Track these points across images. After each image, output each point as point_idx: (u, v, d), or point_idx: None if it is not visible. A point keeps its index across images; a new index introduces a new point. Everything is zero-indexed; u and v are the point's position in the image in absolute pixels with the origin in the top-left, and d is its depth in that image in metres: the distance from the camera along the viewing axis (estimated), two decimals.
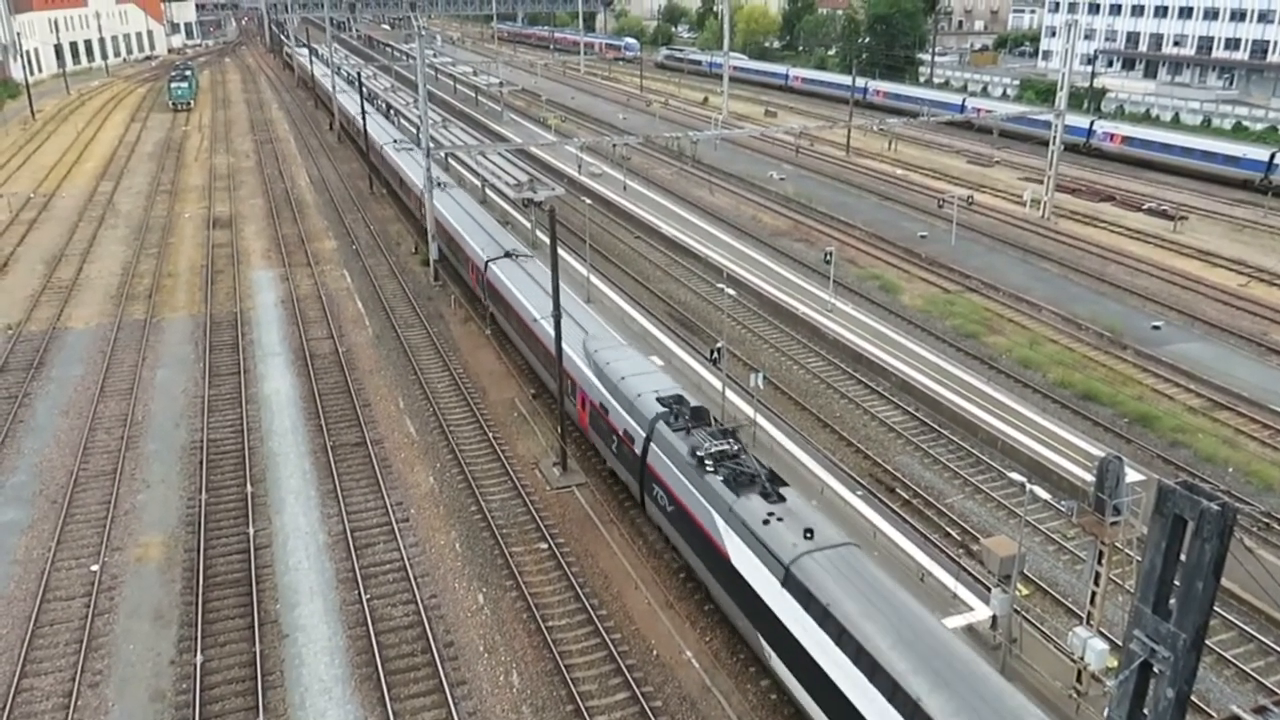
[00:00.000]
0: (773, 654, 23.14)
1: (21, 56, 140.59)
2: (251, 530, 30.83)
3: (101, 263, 59.59)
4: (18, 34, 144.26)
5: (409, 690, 24.40)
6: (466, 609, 27.39)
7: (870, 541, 28.84)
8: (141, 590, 28.26)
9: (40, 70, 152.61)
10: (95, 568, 29.14)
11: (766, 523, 23.84)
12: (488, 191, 67.39)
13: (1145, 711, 14.28)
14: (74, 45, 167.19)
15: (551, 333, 33.98)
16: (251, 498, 32.71)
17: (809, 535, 23.01)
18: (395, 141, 76.44)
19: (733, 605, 24.90)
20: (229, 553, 29.87)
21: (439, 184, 62.34)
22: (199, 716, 23.45)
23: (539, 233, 58.59)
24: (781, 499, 24.95)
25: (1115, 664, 19.27)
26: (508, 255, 46.60)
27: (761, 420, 35.50)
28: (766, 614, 22.97)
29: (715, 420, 29.44)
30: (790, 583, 22.24)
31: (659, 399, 30.09)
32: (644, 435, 29.30)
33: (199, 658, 25.29)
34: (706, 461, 26.23)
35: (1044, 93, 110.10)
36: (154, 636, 26.38)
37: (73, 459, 35.42)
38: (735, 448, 26.97)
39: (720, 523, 24.90)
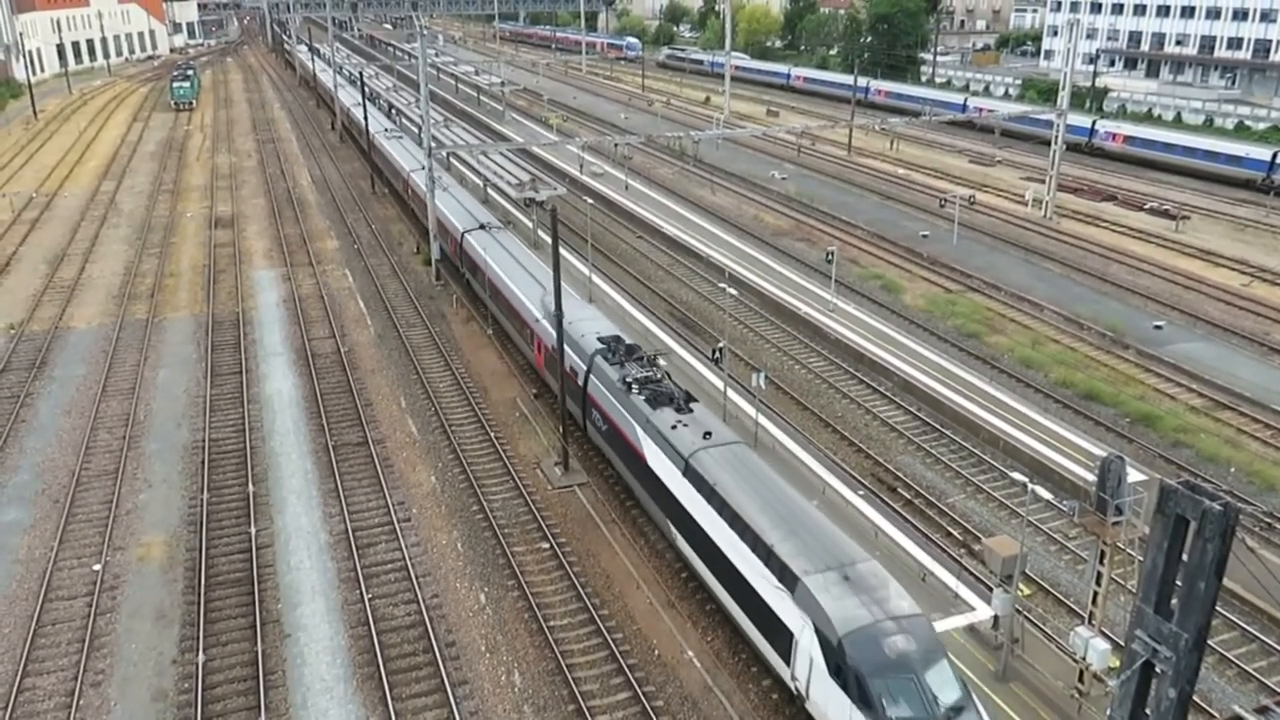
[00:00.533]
0: (677, 534, 27.76)
1: (24, 56, 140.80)
2: (253, 530, 30.85)
3: (104, 262, 59.65)
4: (20, 34, 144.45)
5: (410, 690, 24.42)
6: (468, 608, 27.40)
7: (872, 542, 28.87)
8: (143, 590, 28.29)
9: (43, 70, 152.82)
10: (97, 567, 29.18)
11: (674, 428, 28.61)
12: (489, 191, 67.40)
13: (1147, 711, 14.28)
14: (76, 45, 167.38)
15: (519, 294, 39.85)
16: (253, 497, 32.74)
17: (707, 436, 28.01)
18: (385, 130, 79.94)
19: (650, 500, 29.49)
20: (231, 552, 29.90)
21: (421, 167, 63.29)
22: (201, 716, 23.48)
23: (541, 232, 58.63)
24: (689, 411, 29.64)
25: (1117, 664, 19.26)
26: (481, 228, 50.83)
27: (763, 420, 35.51)
28: (672, 500, 27.67)
29: (645, 355, 34.15)
30: (689, 472, 27.05)
31: (599, 338, 34.92)
32: (585, 369, 34.14)
33: (201, 657, 25.32)
34: (632, 385, 31.04)
35: (1046, 92, 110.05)
36: (156, 636, 26.41)
37: (75, 458, 35.46)
38: (658, 374, 32.17)
39: (640, 432, 29.61)
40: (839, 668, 20.18)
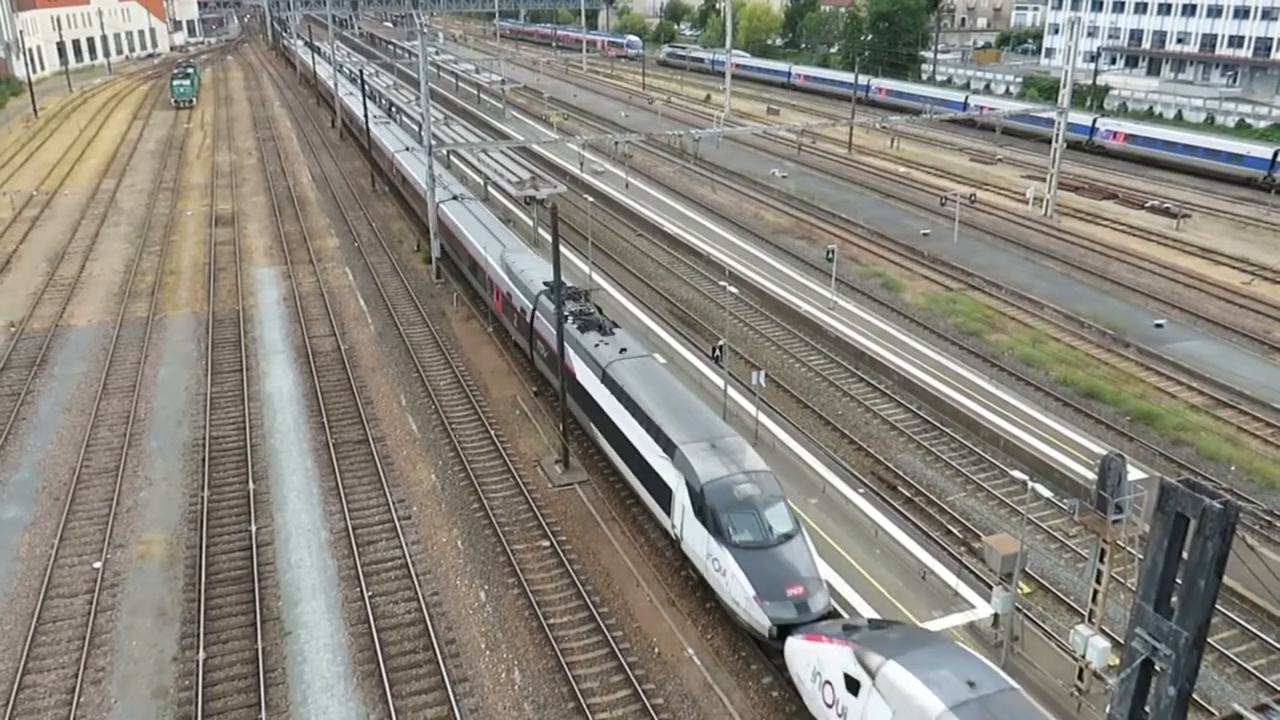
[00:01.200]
0: (598, 433, 33.45)
1: (24, 54, 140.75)
2: (253, 527, 30.87)
3: (104, 260, 59.66)
4: (20, 31, 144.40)
5: (411, 687, 24.43)
6: (468, 606, 27.42)
7: (872, 540, 28.88)
8: (144, 587, 28.31)
9: (43, 68, 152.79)
10: (98, 565, 29.20)
11: (596, 346, 34.17)
12: (490, 189, 67.38)
13: (1147, 709, 14.28)
14: (76, 43, 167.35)
15: (480, 248, 47.16)
16: (253, 495, 32.75)
17: (623, 351, 33.40)
18: (374, 117, 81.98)
19: (579, 410, 34.69)
20: (231, 550, 29.92)
21: (408, 149, 64.09)
22: (201, 713, 23.50)
23: (541, 230, 58.62)
24: (612, 334, 35.20)
25: (1117, 662, 19.27)
26: (455, 198, 56.12)
27: (763, 418, 35.52)
28: (593, 404, 33.12)
29: (580, 293, 39.66)
30: (605, 379, 32.50)
31: (544, 283, 39.79)
32: (531, 308, 39.53)
33: (201, 654, 25.34)
34: (567, 317, 35.55)
35: (1047, 90, 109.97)
36: (156, 633, 26.43)
37: (75, 456, 35.48)
38: (589, 307, 37.92)
39: (571, 353, 34.85)
40: (700, 509, 25.81)
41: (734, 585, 24.27)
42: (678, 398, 30.40)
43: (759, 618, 23.57)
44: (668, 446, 27.85)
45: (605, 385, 32.33)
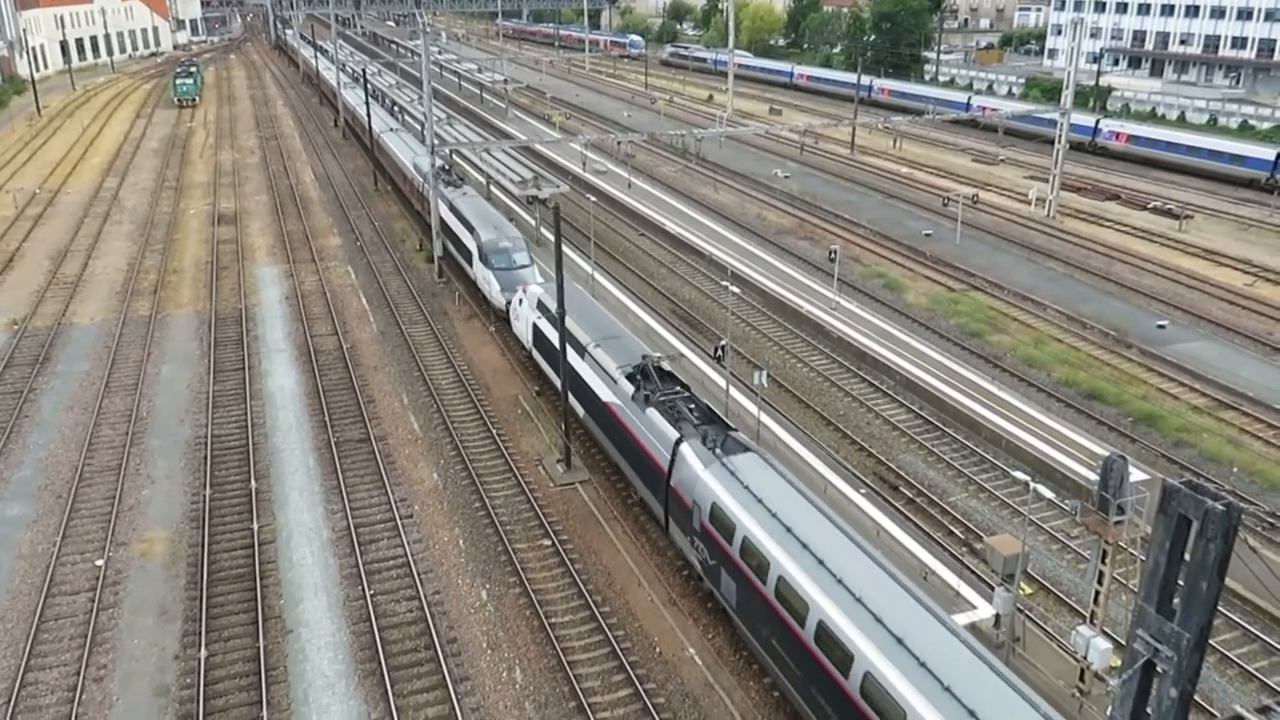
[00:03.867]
0: (450, 246, 51.86)
1: (27, 53, 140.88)
2: (255, 526, 30.90)
3: (107, 259, 59.72)
4: (24, 30, 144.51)
5: (412, 686, 24.45)
6: (470, 605, 27.44)
7: (874, 540, 28.86)
8: (146, 585, 28.35)
9: (46, 66, 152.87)
10: (100, 562, 29.24)
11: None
12: (492, 188, 67.40)
13: (1148, 711, 14.26)
14: (79, 41, 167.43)
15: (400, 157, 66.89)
16: (255, 493, 32.79)
17: (464, 193, 50.21)
18: (387, 127, 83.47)
19: (448, 243, 52.96)
20: (233, 548, 29.95)
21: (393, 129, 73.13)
22: (203, 711, 23.53)
23: (544, 230, 58.60)
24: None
25: (1118, 663, 19.25)
26: (391, 130, 73.76)
27: (765, 418, 35.51)
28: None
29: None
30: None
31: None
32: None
33: (203, 652, 25.37)
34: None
35: (1049, 91, 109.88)
36: (158, 631, 26.46)
37: (77, 454, 35.52)
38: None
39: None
40: (481, 255, 46.60)
41: (491, 288, 45.80)
42: (493, 217, 50.08)
43: (499, 299, 45.01)
44: (472, 230, 48.56)
45: (452, 214, 52.43)
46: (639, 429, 29.30)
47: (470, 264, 49.17)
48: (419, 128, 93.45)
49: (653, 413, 28.66)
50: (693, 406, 28.89)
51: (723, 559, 24.43)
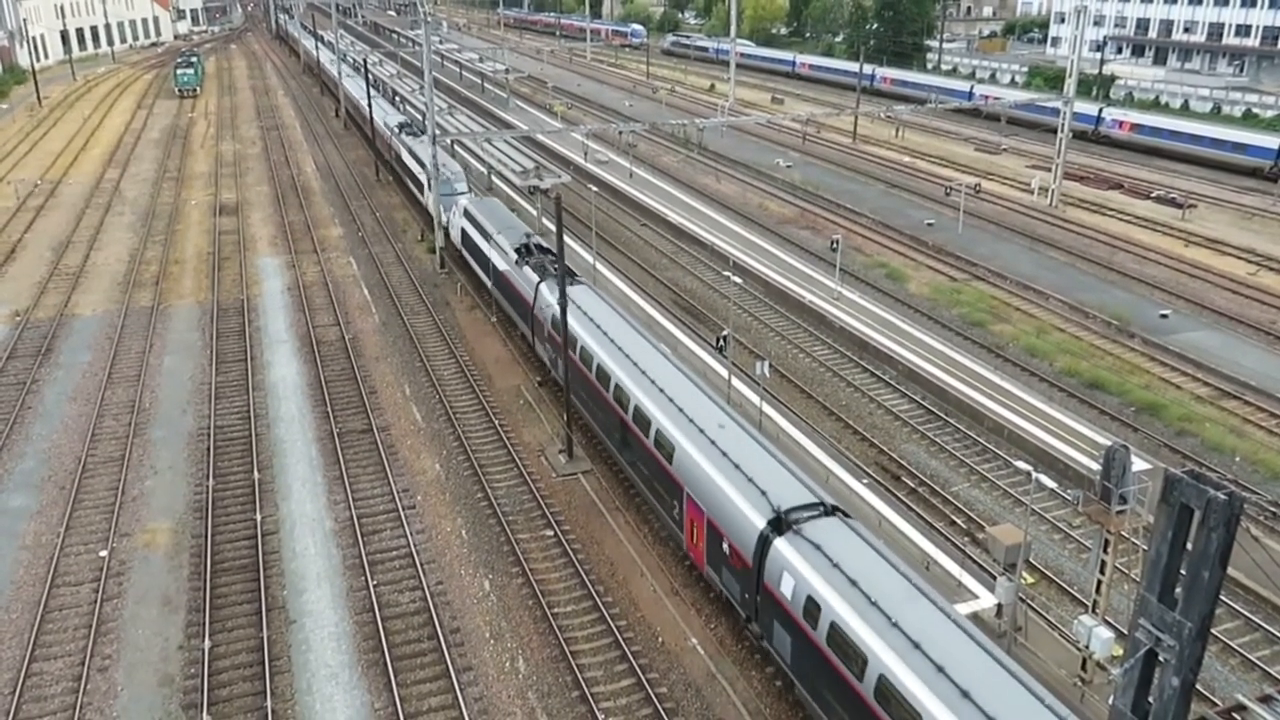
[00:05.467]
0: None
1: (28, 42, 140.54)
2: (259, 516, 30.96)
3: (108, 249, 59.72)
4: (24, 20, 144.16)
5: (415, 676, 24.53)
6: (472, 595, 27.50)
7: (876, 530, 28.89)
8: (149, 576, 28.43)
9: (47, 56, 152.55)
10: (104, 553, 29.31)
11: (460, 193, 55.82)
12: (494, 179, 67.27)
13: (1150, 700, 14.28)
14: (80, 31, 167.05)
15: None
16: (258, 484, 32.84)
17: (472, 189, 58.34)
18: (344, 78, 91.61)
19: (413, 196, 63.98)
20: (236, 539, 30.02)
21: (401, 127, 72.72)
22: (207, 701, 23.61)
23: (545, 220, 58.52)
24: (464, 190, 56.08)
25: (1120, 652, 19.27)
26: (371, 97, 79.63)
27: (767, 408, 35.51)
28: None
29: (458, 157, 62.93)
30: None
31: (450, 173, 58.40)
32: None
33: (207, 643, 25.45)
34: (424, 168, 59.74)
35: (1052, 79, 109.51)
36: (162, 621, 26.54)
37: (81, 445, 35.58)
38: (460, 174, 58.01)
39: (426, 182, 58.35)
40: (430, 186, 54.76)
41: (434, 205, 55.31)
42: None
43: (443, 215, 53.95)
44: (423, 167, 57.71)
45: (410, 156, 64.63)
46: (518, 281, 41.68)
47: (422, 192, 61.71)
48: (393, 94, 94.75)
49: (526, 269, 41.08)
50: (553, 263, 39.43)
51: (560, 353, 34.82)
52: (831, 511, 23.47)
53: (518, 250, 42.80)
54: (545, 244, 43.84)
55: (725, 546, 24.57)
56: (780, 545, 22.47)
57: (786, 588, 21.96)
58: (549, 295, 37.35)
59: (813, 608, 21.07)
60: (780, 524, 22.96)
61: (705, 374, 37.50)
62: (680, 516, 27.25)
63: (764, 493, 23.98)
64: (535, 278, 39.61)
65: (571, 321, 33.57)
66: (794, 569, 21.85)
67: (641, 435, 29.48)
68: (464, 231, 51.08)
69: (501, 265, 43.76)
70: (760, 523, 23.24)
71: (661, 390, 29.37)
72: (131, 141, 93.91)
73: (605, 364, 32.16)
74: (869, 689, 19.36)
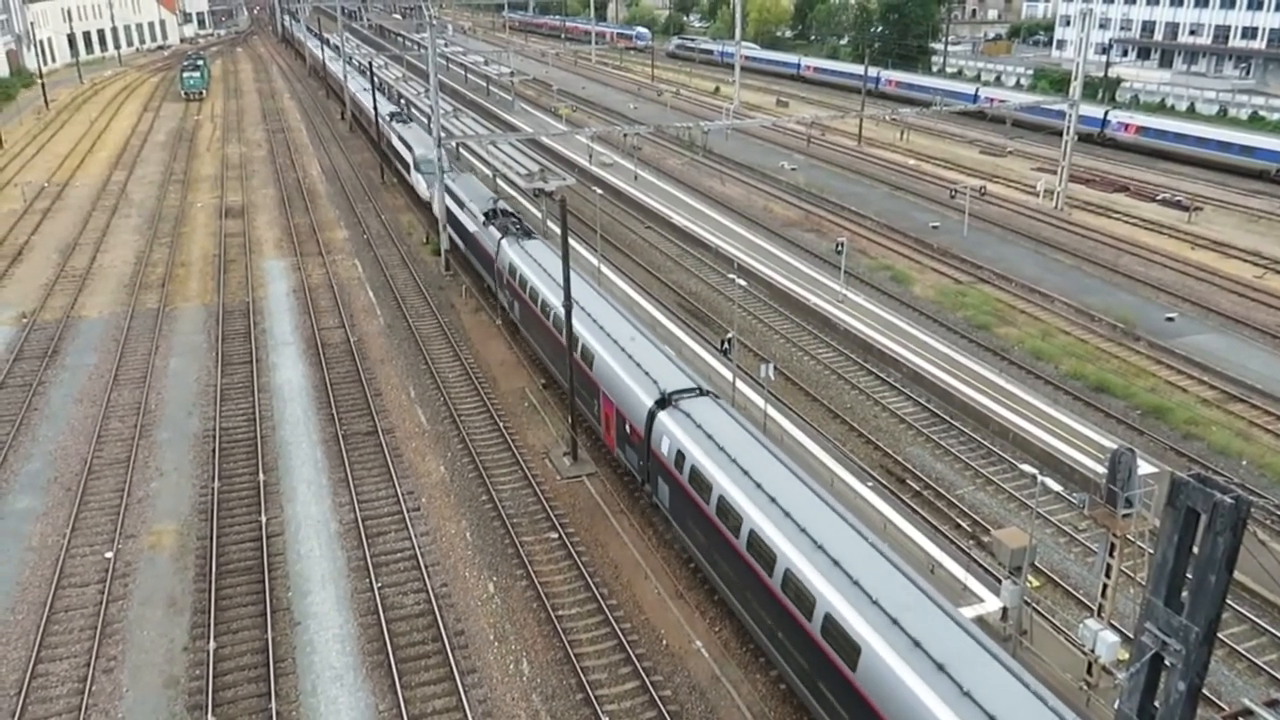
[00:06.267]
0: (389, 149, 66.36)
1: (35, 46, 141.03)
2: (264, 518, 31.01)
3: (115, 252, 59.88)
4: (32, 23, 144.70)
5: (419, 678, 24.54)
6: (477, 598, 27.51)
7: (880, 533, 28.82)
8: (155, 577, 28.48)
9: (54, 60, 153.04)
10: (109, 554, 29.38)
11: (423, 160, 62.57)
12: (499, 181, 67.34)
13: (1156, 704, 14.24)
14: (87, 35, 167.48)
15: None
16: (264, 486, 32.89)
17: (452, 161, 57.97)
18: (350, 81, 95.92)
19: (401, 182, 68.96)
20: (241, 540, 30.06)
21: (393, 116, 77.51)
22: (211, 702, 23.64)
23: (550, 222, 58.56)
24: (449, 171, 58.62)
25: (1126, 656, 19.21)
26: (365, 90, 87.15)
27: (772, 411, 35.48)
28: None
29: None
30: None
31: (421, 147, 65.63)
32: (413, 158, 64.55)
33: (212, 644, 25.48)
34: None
35: (1058, 82, 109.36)
36: (167, 623, 26.59)
37: (87, 446, 35.66)
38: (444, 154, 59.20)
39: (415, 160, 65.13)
40: (415, 165, 64.20)
41: (419, 185, 62.02)
42: (425, 140, 60.99)
43: (425, 192, 59.71)
44: (410, 150, 66.40)
45: (399, 140, 70.88)
46: (484, 239, 47.77)
47: (409, 172, 68.61)
48: (398, 97, 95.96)
49: (491, 229, 46.97)
50: (516, 224, 47.05)
51: (515, 295, 43.13)
52: (705, 394, 29.64)
53: (485, 214, 48.73)
54: (509, 208, 50.70)
55: (627, 427, 30.77)
56: (663, 416, 28.59)
57: (665, 448, 27.94)
58: (508, 249, 44.24)
59: (680, 459, 27.06)
60: (664, 402, 29.11)
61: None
62: (599, 412, 33.38)
63: (655, 380, 30.19)
64: (498, 235, 45.86)
65: (521, 266, 42.15)
66: (670, 433, 27.88)
67: (571, 350, 36.20)
68: (446, 206, 59.21)
69: (472, 227, 50.54)
70: (649, 401, 29.37)
71: (589, 314, 36.08)
72: (138, 144, 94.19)
73: (548, 299, 38.65)
74: (712, 508, 25.28)
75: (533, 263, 41.89)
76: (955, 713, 17.50)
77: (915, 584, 20.70)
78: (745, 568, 23.91)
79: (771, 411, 35.48)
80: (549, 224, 58.52)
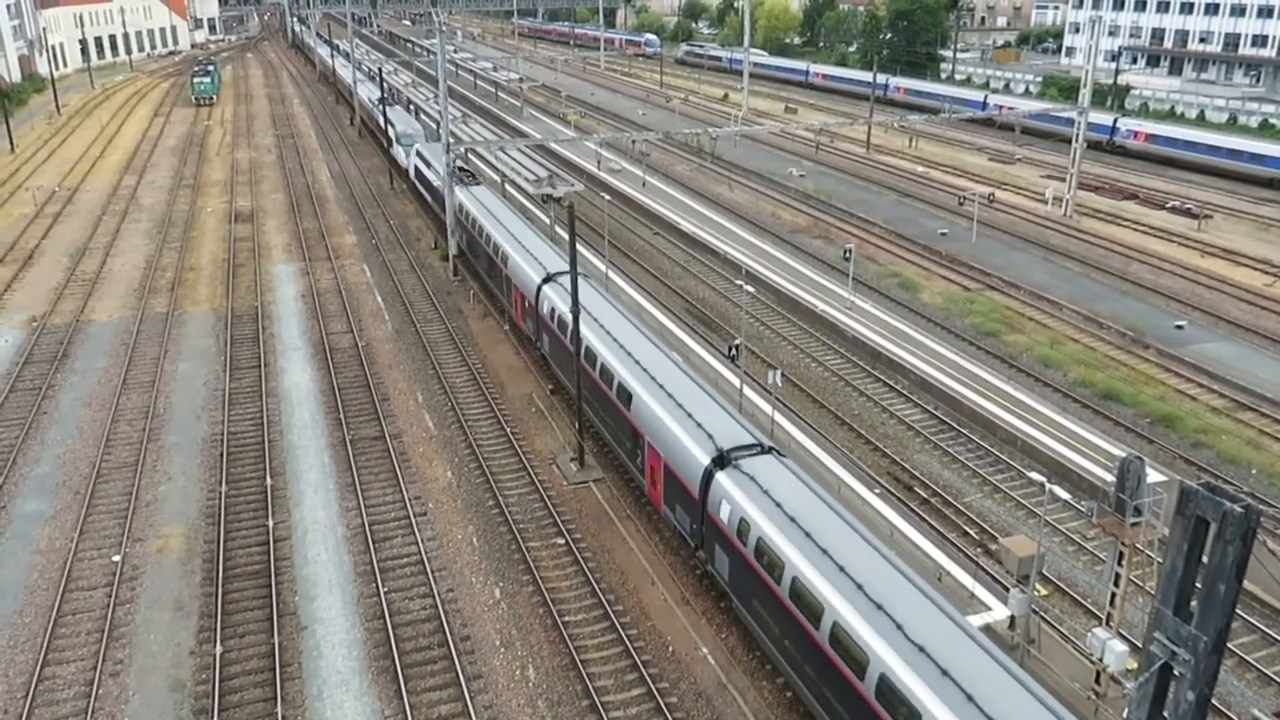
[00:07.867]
0: (415, 181, 70.71)
1: (47, 51, 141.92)
2: (271, 523, 31.05)
3: (124, 256, 60.13)
4: (44, 29, 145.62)
5: (425, 683, 24.53)
6: (483, 603, 27.50)
7: (888, 541, 28.75)
8: (162, 581, 28.53)
9: (65, 65, 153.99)
10: (117, 558, 29.45)
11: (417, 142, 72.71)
12: (507, 187, 67.48)
13: (1165, 714, 14.15)
14: (99, 40, 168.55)
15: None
16: (271, 490, 32.95)
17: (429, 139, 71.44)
18: (359, 86, 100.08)
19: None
20: (249, 545, 30.11)
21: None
22: (218, 706, 23.66)
23: (558, 228, 58.62)
24: (420, 141, 70.84)
25: (1135, 666, 19.11)
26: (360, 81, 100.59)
27: (780, 417, 35.43)
28: (420, 174, 66.42)
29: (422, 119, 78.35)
30: (418, 154, 67.77)
31: (402, 123, 79.01)
32: (412, 151, 70.37)
33: (218, 648, 25.51)
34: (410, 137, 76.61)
35: (1067, 90, 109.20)
36: (174, 627, 26.64)
37: (95, 450, 35.78)
38: (419, 131, 72.56)
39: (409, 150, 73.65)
40: (397, 140, 76.91)
41: (399, 155, 74.67)
42: (407, 120, 76.91)
43: (404, 161, 72.11)
44: (392, 126, 76.78)
45: (384, 119, 79.76)
46: (446, 191, 54.92)
47: (390, 147, 79.04)
48: (407, 102, 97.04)
49: (454, 183, 55.05)
50: (471, 177, 58.37)
51: (472, 242, 51.98)
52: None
53: (449, 171, 56.40)
54: (465, 166, 61.23)
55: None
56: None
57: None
58: (461, 195, 54.75)
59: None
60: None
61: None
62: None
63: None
64: (457, 186, 55.97)
65: (473, 210, 52.11)
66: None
67: (496, 258, 45.77)
68: (416, 166, 70.14)
69: (436, 182, 60.83)
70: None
71: (516, 238, 45.07)
72: (148, 149, 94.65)
73: (495, 237, 46.58)
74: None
75: (480, 205, 51.81)
76: None
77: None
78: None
79: (779, 418, 35.41)
80: (556, 228, 58.59)
